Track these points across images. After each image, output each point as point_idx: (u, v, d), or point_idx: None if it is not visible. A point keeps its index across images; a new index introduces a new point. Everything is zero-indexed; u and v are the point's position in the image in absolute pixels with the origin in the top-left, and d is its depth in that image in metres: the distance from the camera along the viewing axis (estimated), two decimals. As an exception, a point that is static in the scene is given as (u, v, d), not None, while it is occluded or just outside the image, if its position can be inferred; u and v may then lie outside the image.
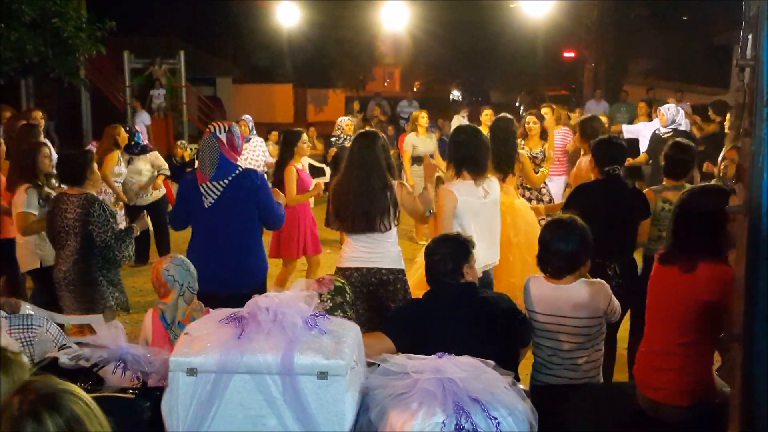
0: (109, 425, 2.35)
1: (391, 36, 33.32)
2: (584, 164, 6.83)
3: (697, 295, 3.58)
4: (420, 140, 11.41)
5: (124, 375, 3.41)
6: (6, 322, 4.06)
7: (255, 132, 11.39)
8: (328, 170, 11.95)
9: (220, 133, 5.26)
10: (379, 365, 3.11)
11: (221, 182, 5.20)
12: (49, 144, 7.75)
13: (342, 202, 5.25)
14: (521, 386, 3.06)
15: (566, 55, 33.31)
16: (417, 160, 11.47)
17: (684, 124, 10.33)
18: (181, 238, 11.10)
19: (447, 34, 32.06)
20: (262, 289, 5.31)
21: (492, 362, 3.01)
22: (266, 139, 15.84)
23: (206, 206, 5.21)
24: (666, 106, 10.53)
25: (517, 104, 29.59)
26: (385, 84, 47.48)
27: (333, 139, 11.95)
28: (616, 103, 19.98)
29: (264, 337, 2.91)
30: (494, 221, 5.60)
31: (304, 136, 8.34)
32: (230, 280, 5.11)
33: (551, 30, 25.74)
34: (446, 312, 3.85)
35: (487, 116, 11.60)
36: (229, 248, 5.23)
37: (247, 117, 11.47)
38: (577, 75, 29.45)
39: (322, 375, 2.83)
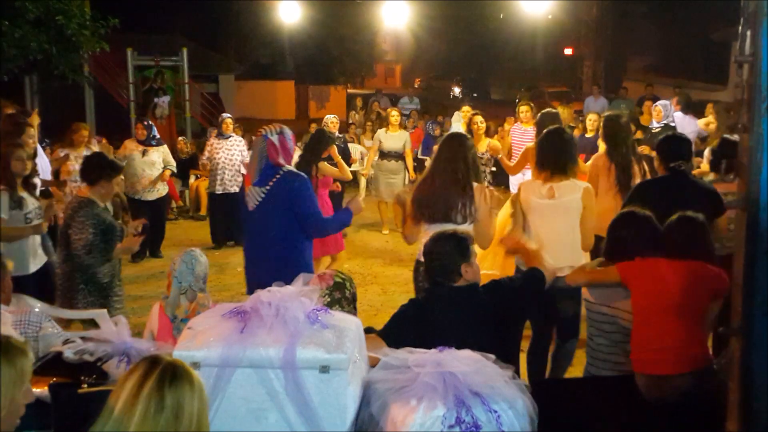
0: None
1: (392, 33, 33.38)
2: (598, 160, 6.87)
3: (687, 284, 3.67)
4: (388, 136, 11.61)
5: (128, 369, 3.42)
6: (11, 317, 4.08)
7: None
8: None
9: (271, 135, 5.18)
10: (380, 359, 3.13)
11: (264, 188, 5.14)
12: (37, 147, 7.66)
13: (425, 192, 5.35)
14: (521, 381, 3.07)
15: (566, 51, 33.36)
16: (385, 155, 11.66)
17: (672, 119, 10.53)
18: (177, 236, 11.17)
19: (447, 32, 32.11)
20: None
21: (492, 356, 3.02)
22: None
23: (249, 210, 5.19)
24: (662, 102, 10.70)
25: (517, 101, 29.60)
26: (386, 81, 47.49)
27: None
28: (616, 100, 19.98)
29: (266, 331, 2.92)
30: (559, 224, 5.35)
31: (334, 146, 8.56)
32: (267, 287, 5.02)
33: (551, 27, 25.78)
34: (445, 315, 3.78)
35: (465, 113, 11.60)
36: (268, 254, 5.13)
37: (227, 115, 11.48)
38: (576, 71, 29.47)
39: (324, 369, 2.84)
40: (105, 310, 5.48)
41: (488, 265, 6.69)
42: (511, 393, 2.89)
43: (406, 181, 14.49)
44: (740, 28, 2.59)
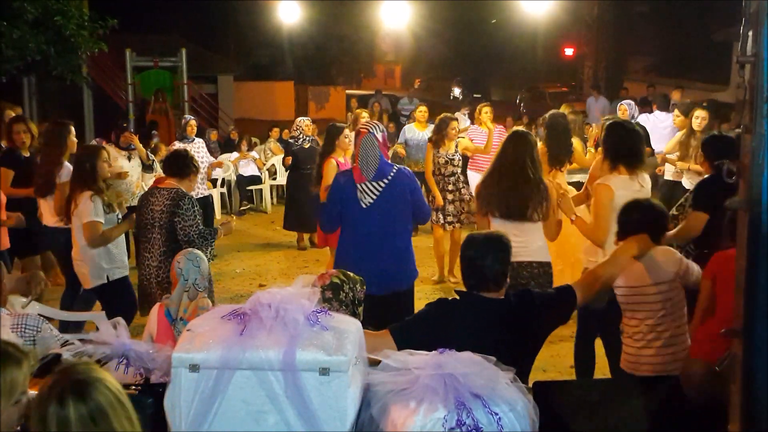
0: (137, 421, 2.41)
1: (392, 33, 33.32)
2: (598, 164, 6.93)
3: None
4: None
5: (127, 371, 3.41)
6: (9, 320, 4.06)
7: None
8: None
9: (377, 132, 5.28)
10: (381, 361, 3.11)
11: (380, 182, 5.22)
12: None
13: (492, 189, 5.46)
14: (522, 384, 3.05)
15: (566, 52, 33.32)
16: None
17: (637, 118, 10.94)
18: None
19: (447, 32, 32.07)
20: (412, 289, 5.42)
21: (493, 358, 3.01)
22: (267, 136, 15.87)
23: (364, 206, 5.22)
24: (627, 102, 11.01)
25: (518, 101, 29.60)
26: (386, 82, 47.48)
27: (291, 140, 11.41)
28: (617, 100, 19.99)
29: (266, 333, 2.91)
30: None
31: (346, 131, 8.45)
32: (388, 280, 5.12)
33: (551, 27, 25.74)
34: (470, 326, 3.67)
35: (421, 113, 11.52)
36: (387, 248, 5.21)
37: (190, 117, 11.33)
38: (577, 72, 29.44)
39: (324, 371, 2.82)
40: (103, 312, 5.49)
41: (560, 265, 6.80)
42: (512, 395, 2.88)
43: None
44: (742, 28, 2.58)
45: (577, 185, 8.29)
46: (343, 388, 2.84)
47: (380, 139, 5.27)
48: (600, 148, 7.07)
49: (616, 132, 5.59)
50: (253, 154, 14.90)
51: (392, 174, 5.26)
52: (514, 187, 5.41)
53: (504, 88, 37.33)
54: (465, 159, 10.17)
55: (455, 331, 3.67)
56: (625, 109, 10.64)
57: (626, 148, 5.47)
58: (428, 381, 2.84)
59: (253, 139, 16.18)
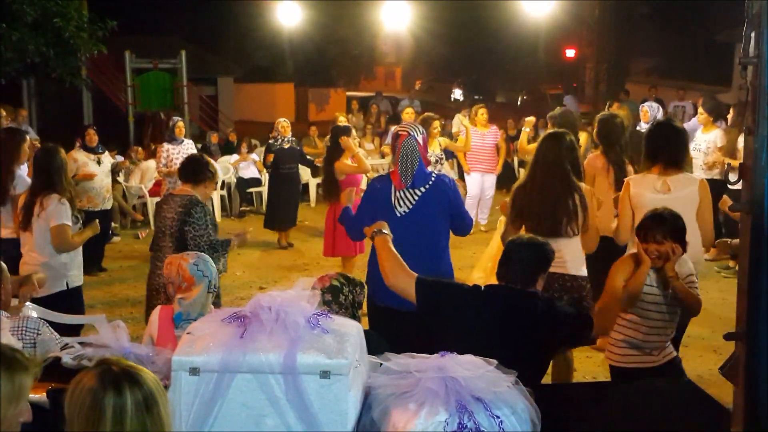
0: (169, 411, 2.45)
1: (393, 35, 33.32)
2: (596, 160, 6.93)
3: None
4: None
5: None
6: (9, 323, 4.05)
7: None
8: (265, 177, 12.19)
9: (417, 134, 4.95)
10: (382, 364, 3.10)
11: (419, 189, 4.90)
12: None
13: (526, 202, 5.14)
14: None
15: (568, 53, 33.33)
16: None
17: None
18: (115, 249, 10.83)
19: (448, 33, 32.03)
20: None
21: (494, 361, 2.99)
22: (267, 138, 15.86)
23: (398, 215, 4.88)
24: (648, 103, 11.03)
25: (519, 103, 29.60)
26: (386, 83, 47.50)
27: (271, 141, 11.38)
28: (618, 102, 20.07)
29: (266, 336, 2.90)
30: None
31: (353, 132, 8.54)
32: None
33: (553, 28, 25.75)
34: (495, 313, 3.71)
35: (407, 114, 11.57)
36: (423, 262, 4.66)
37: (177, 118, 11.28)
38: (578, 73, 29.45)
39: (325, 374, 2.81)
40: (104, 315, 5.43)
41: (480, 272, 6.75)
42: (513, 398, 2.87)
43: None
44: (744, 29, 2.58)
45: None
46: (344, 391, 2.83)
47: (421, 142, 4.94)
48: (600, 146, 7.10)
49: (663, 132, 5.40)
50: (254, 156, 14.84)
51: (431, 182, 4.93)
52: (548, 199, 5.06)
53: (505, 90, 37.32)
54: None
55: (475, 313, 3.72)
56: (646, 111, 10.44)
57: (667, 150, 5.27)
58: (430, 384, 2.83)
59: (253, 142, 16.15)
